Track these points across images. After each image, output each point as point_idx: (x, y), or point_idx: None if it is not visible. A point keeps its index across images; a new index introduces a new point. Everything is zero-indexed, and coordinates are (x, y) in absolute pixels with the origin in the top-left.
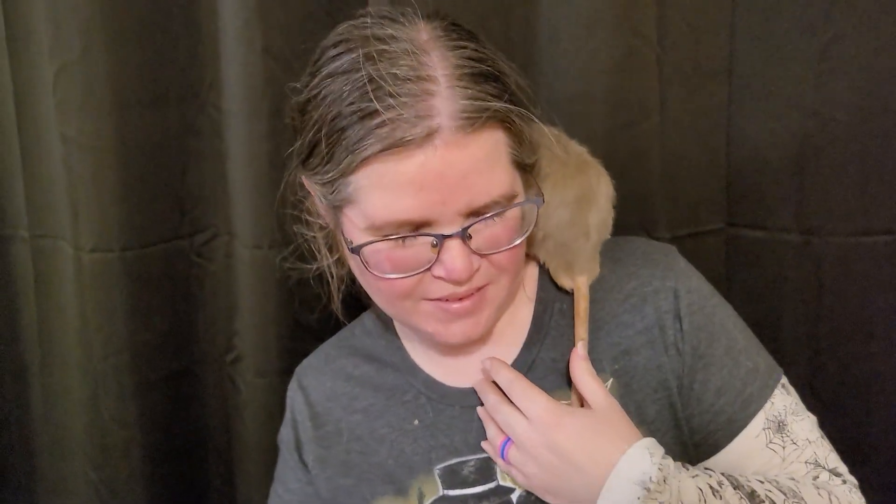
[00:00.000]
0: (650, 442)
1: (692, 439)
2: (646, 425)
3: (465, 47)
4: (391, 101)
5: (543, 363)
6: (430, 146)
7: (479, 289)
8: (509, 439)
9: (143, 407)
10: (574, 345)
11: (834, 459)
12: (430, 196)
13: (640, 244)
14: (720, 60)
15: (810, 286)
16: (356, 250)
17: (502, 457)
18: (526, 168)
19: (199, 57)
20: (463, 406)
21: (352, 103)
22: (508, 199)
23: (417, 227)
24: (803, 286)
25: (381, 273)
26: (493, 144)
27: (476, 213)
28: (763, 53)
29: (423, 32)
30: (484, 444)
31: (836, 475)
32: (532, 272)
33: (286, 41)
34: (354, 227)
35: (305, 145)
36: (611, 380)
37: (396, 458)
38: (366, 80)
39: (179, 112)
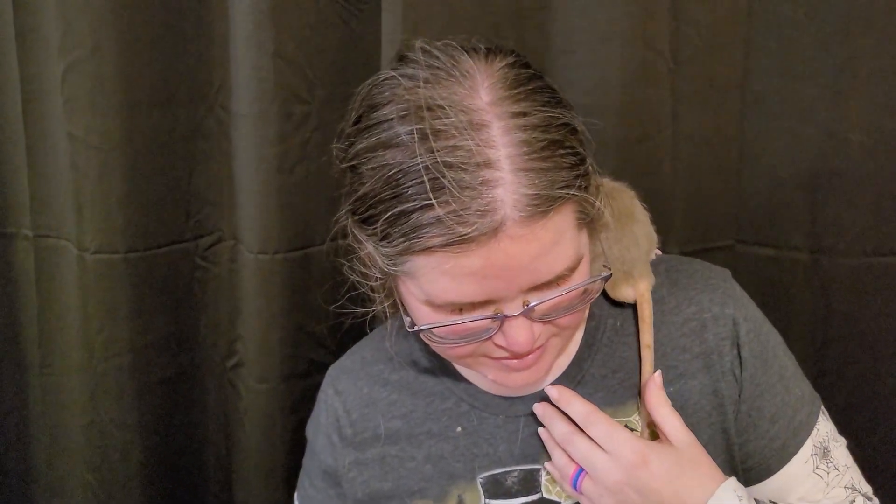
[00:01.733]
0: (735, 483)
1: (744, 464)
2: None
3: (528, 113)
4: (450, 195)
5: (593, 379)
6: (494, 241)
7: (541, 345)
8: (582, 469)
9: (142, 410)
10: (628, 362)
11: (864, 483)
12: (493, 283)
13: (698, 267)
14: (734, 76)
15: (819, 306)
16: (416, 332)
17: (574, 486)
18: (594, 219)
19: (209, 58)
20: (507, 416)
21: (406, 189)
22: (574, 267)
23: (478, 306)
24: (812, 306)
25: (441, 342)
26: (561, 222)
27: (540, 287)
28: (778, 70)
29: (482, 91)
30: (549, 467)
31: (868, 499)
32: None
33: (298, 45)
34: (412, 296)
35: (358, 210)
36: None
37: (436, 464)
38: (421, 168)
39: (188, 113)
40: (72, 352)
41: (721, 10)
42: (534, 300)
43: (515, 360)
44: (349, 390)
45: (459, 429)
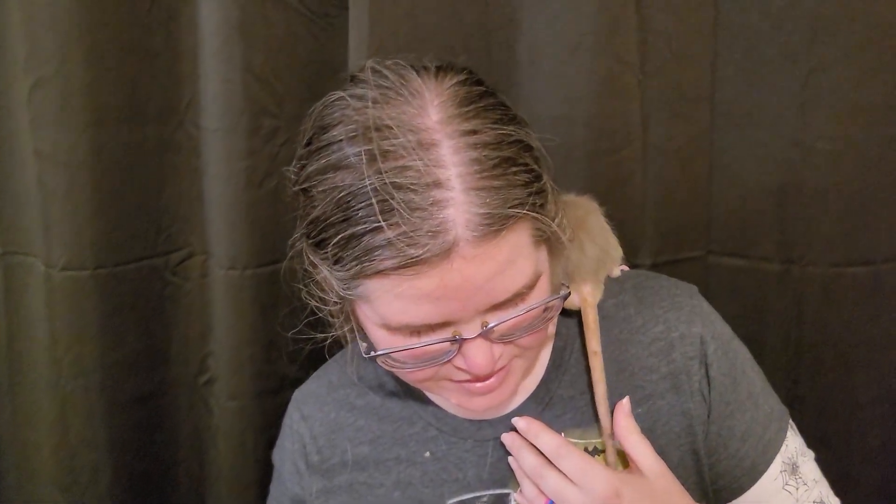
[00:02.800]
0: None
1: (715, 484)
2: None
3: (479, 130)
4: (399, 217)
5: (562, 400)
6: (446, 262)
7: (503, 367)
8: (552, 502)
9: (112, 429)
10: (591, 383)
11: (832, 496)
12: (448, 304)
13: (665, 283)
14: (703, 87)
15: (790, 316)
16: (373, 358)
17: None
18: (551, 238)
19: (179, 74)
20: (476, 440)
21: (356, 212)
22: (532, 285)
23: (435, 328)
24: (783, 315)
25: (400, 367)
26: (515, 241)
27: (497, 307)
28: (745, 81)
29: (432, 110)
30: (518, 497)
31: None
32: None
33: (266, 60)
34: (368, 320)
35: (311, 234)
36: None
37: (404, 491)
38: (370, 190)
39: (157, 129)
40: (40, 370)
41: (689, 21)
42: (492, 321)
43: (478, 384)
44: (315, 416)
45: (428, 454)
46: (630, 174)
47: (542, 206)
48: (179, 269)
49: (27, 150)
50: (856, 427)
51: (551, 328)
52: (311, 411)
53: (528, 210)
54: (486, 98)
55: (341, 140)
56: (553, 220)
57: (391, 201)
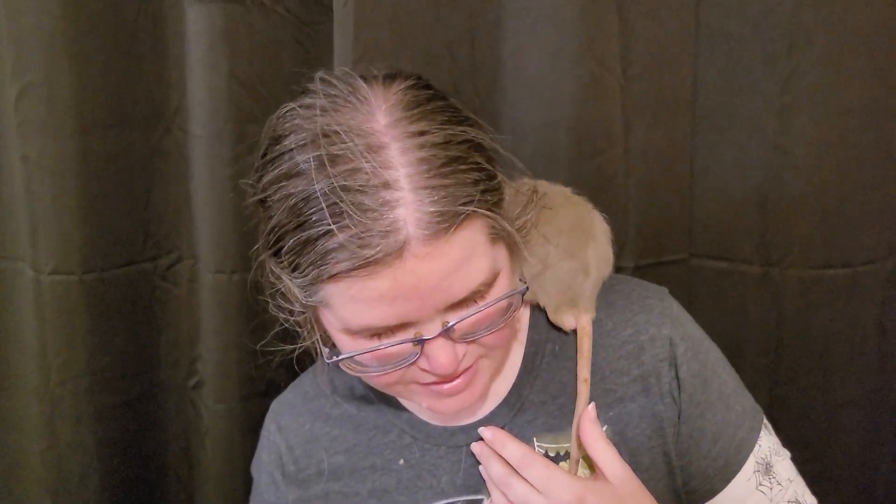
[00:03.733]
0: None
1: (687, 486)
2: (640, 473)
3: (427, 131)
4: (350, 219)
5: (533, 405)
6: (399, 261)
7: (469, 367)
8: None
9: (101, 432)
10: (568, 387)
11: (808, 494)
12: (405, 304)
13: (634, 287)
14: (684, 92)
15: (771, 318)
16: (335, 363)
17: None
18: (509, 237)
19: (166, 80)
20: (449, 446)
21: (308, 217)
22: (491, 282)
23: (395, 329)
24: (764, 317)
25: (364, 370)
26: (469, 238)
27: (456, 306)
28: (726, 86)
29: (380, 115)
30: None
31: None
32: (523, 313)
33: (252, 66)
34: (331, 326)
35: (270, 243)
36: (605, 427)
37: (380, 499)
38: (320, 196)
39: (145, 134)
40: (28, 375)
41: (670, 27)
42: (452, 319)
43: (446, 385)
44: (291, 426)
45: (402, 461)
46: (612, 177)
47: (495, 203)
48: (168, 274)
49: (14, 155)
50: (835, 428)
51: (519, 329)
52: (287, 422)
53: (478, 207)
54: (435, 101)
55: (293, 149)
56: (513, 220)
57: (341, 204)
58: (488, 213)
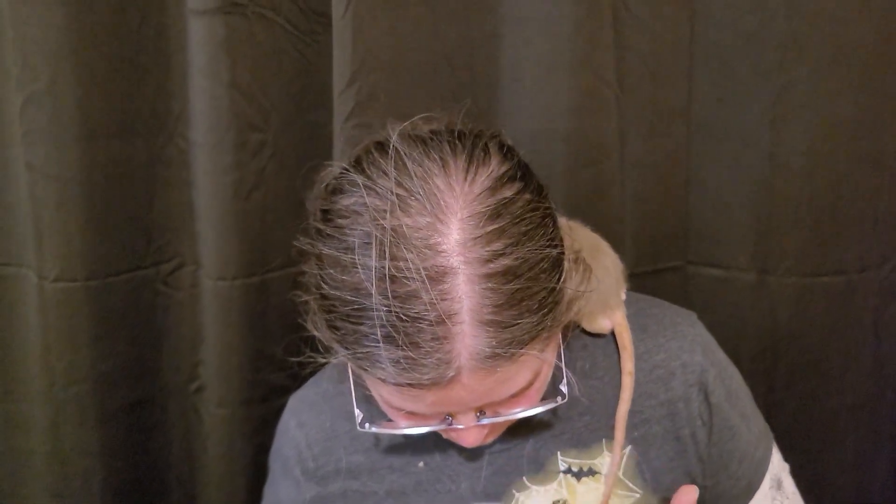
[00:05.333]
0: None
1: None
2: (661, 492)
3: (501, 254)
4: (404, 344)
5: (560, 420)
6: (448, 386)
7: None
8: None
9: (105, 436)
10: (595, 405)
11: None
12: (446, 407)
13: (666, 311)
14: (679, 103)
15: (766, 325)
16: (366, 428)
17: None
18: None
19: (169, 89)
20: (471, 453)
21: (362, 323)
22: (534, 381)
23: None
24: (759, 325)
25: (395, 425)
26: (523, 361)
27: (493, 404)
28: (720, 97)
29: (454, 227)
30: None
31: None
32: None
33: (253, 75)
34: (369, 381)
35: (321, 305)
36: (629, 447)
37: (397, 500)
38: (376, 315)
39: (147, 142)
40: (33, 379)
41: (664, 40)
42: (489, 416)
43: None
44: (312, 423)
45: (421, 464)
46: (608, 187)
47: (555, 317)
48: (170, 280)
49: (19, 163)
50: (831, 434)
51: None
52: (308, 419)
53: (538, 335)
54: (516, 203)
55: (353, 241)
56: (569, 309)
57: (393, 331)
58: (544, 332)
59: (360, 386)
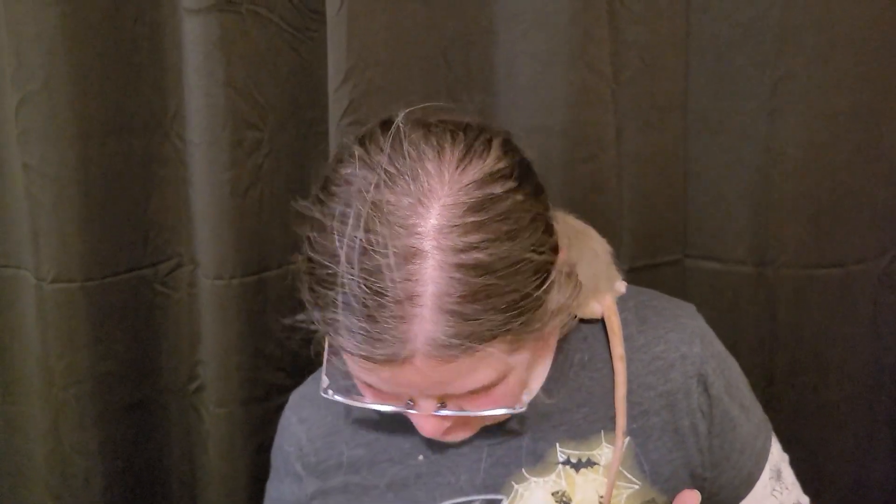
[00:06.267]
0: None
1: (717, 496)
2: (660, 483)
3: (476, 247)
4: (363, 316)
5: (558, 411)
6: (399, 365)
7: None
8: None
9: (104, 437)
10: (594, 397)
11: (803, 495)
12: (403, 389)
13: (665, 304)
14: (675, 96)
15: (765, 318)
16: (329, 395)
17: None
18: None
19: (164, 87)
20: (471, 445)
21: (331, 288)
22: (497, 383)
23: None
24: (758, 317)
25: (363, 401)
26: (481, 357)
27: (454, 396)
28: (717, 90)
29: (434, 212)
30: None
31: None
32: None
33: (248, 73)
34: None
35: (304, 267)
36: (627, 439)
37: (398, 493)
38: (345, 282)
39: (144, 141)
40: (32, 380)
41: (660, 32)
42: (449, 408)
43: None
44: (313, 418)
45: (421, 457)
46: (605, 181)
47: (525, 322)
48: (168, 280)
49: (15, 163)
50: (830, 426)
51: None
52: (309, 414)
53: (500, 335)
54: (503, 202)
55: (337, 209)
56: (550, 318)
57: (356, 301)
58: (510, 335)
59: (340, 360)
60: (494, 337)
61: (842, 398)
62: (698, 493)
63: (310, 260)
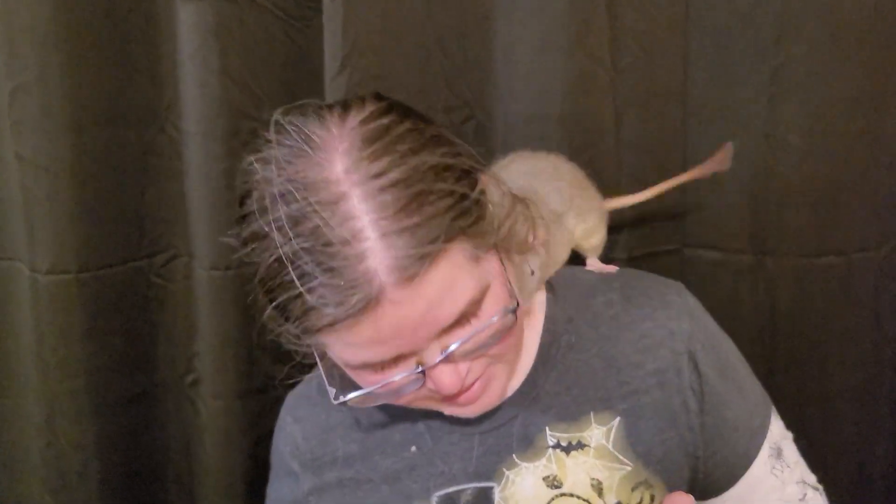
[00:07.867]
0: None
1: (711, 476)
2: (653, 464)
3: (387, 170)
4: (318, 280)
5: (547, 395)
6: (378, 308)
7: (480, 375)
8: None
9: (100, 430)
10: (582, 379)
11: (809, 473)
12: (396, 341)
13: (652, 282)
14: (674, 83)
15: (765, 307)
16: (343, 403)
17: None
18: (497, 245)
19: (159, 77)
20: (462, 434)
21: (282, 280)
22: (480, 298)
23: (396, 361)
24: (758, 307)
25: (377, 400)
26: (446, 268)
27: (451, 328)
28: (716, 77)
29: (337, 160)
30: None
31: (815, 489)
32: (539, 297)
33: (244, 62)
34: (335, 359)
35: (262, 294)
36: (618, 419)
37: (392, 485)
38: (285, 260)
39: (138, 132)
40: (27, 373)
41: (659, 19)
42: (450, 342)
43: (461, 397)
44: (308, 417)
45: (414, 448)
46: (604, 169)
47: (472, 223)
48: (164, 271)
49: (9, 154)
50: (831, 415)
51: (533, 314)
52: (304, 413)
53: (451, 237)
54: (395, 128)
55: (255, 211)
56: (499, 227)
57: (305, 267)
58: (464, 237)
59: (334, 368)
60: (448, 240)
61: (843, 387)
62: (691, 497)
63: (261, 280)
